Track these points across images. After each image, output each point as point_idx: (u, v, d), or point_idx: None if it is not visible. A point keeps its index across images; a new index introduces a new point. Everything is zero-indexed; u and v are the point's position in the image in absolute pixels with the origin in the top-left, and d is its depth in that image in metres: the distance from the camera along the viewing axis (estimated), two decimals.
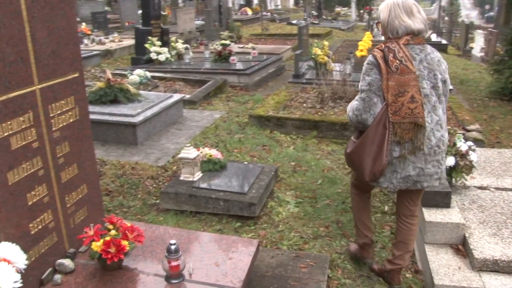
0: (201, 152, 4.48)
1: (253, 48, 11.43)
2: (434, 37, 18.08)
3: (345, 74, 8.17)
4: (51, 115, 2.48)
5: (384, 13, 2.69)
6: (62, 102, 2.56)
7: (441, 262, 3.14)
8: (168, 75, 9.22)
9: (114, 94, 6.08)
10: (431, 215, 3.41)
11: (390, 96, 2.57)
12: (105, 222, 2.68)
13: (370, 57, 2.66)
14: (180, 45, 10.93)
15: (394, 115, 2.58)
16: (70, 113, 2.62)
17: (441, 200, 3.49)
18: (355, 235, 3.35)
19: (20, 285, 1.96)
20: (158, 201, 4.25)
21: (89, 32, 14.09)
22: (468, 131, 5.58)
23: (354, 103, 2.71)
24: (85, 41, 13.00)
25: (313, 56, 8.77)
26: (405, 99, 2.57)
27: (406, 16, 2.65)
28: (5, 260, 1.99)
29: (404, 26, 2.64)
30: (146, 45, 10.10)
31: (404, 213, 2.97)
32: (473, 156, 3.79)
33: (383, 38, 2.79)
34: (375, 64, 2.62)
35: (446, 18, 25.40)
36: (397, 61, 2.59)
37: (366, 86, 2.63)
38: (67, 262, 2.54)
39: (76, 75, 2.66)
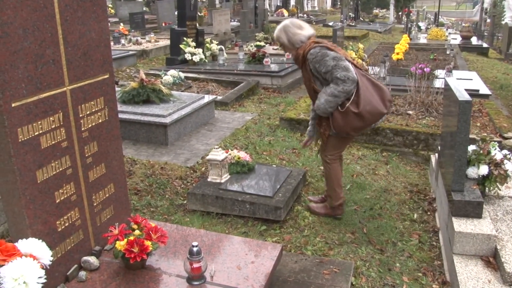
0: (230, 154, 4.49)
1: None
2: (474, 40, 17.57)
3: (379, 78, 8.04)
4: (81, 115, 2.54)
5: (283, 36, 3.60)
6: (92, 103, 2.62)
7: (470, 275, 3.04)
8: (202, 76, 9.30)
9: (146, 94, 6.15)
10: (461, 225, 3.31)
11: (348, 57, 3.55)
12: (131, 222, 2.73)
13: (324, 49, 3.46)
14: (214, 46, 11.02)
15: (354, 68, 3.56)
16: (99, 113, 2.68)
17: (472, 210, 3.39)
18: (332, 200, 3.91)
19: (44, 280, 2.02)
20: (185, 202, 4.28)
21: (126, 32, 14.38)
22: (506, 138, 5.39)
23: (337, 86, 3.41)
24: (122, 41, 13.23)
25: None
26: (349, 59, 3.57)
27: (299, 30, 3.58)
28: (31, 255, 2.05)
29: (303, 35, 3.57)
30: (181, 46, 10.22)
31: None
32: (508, 165, 3.67)
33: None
34: (330, 49, 3.49)
35: (488, 20, 24.64)
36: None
37: (344, 61, 3.44)
38: (92, 260, 2.60)
39: (106, 76, 2.71)
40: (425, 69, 7.34)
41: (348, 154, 5.62)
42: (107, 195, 2.82)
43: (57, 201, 2.41)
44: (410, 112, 6.45)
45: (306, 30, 3.60)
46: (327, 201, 4.06)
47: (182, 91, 7.88)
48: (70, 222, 2.52)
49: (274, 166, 4.78)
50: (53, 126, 2.34)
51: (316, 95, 3.59)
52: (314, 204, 4.17)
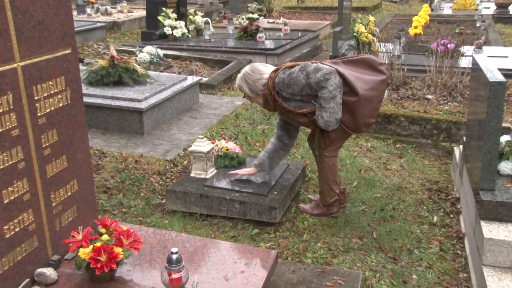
0: (216, 145, 4.48)
1: (285, 24, 11.33)
2: None
3: (393, 56, 8.00)
4: (36, 98, 2.47)
5: (244, 86, 3.82)
6: (50, 83, 2.55)
7: None
8: (184, 54, 9.25)
9: (118, 75, 6.10)
10: (492, 230, 3.26)
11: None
12: (98, 225, 2.68)
13: (285, 71, 3.72)
14: (199, 19, 10.94)
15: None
16: (59, 96, 2.61)
17: (506, 213, 3.33)
18: (326, 197, 4.00)
19: None
20: (163, 201, 4.26)
21: (93, 0, 14.13)
22: None
23: (333, 99, 3.56)
24: (88, 10, 12.82)
25: (355, 34, 8.64)
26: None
27: (260, 75, 3.77)
28: None
29: (264, 79, 3.77)
30: (160, 18, 10.13)
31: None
32: None
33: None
34: (291, 67, 3.77)
35: None
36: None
37: (310, 65, 3.64)
38: (49, 272, 2.54)
39: (68, 51, 2.64)
40: (448, 46, 7.29)
41: (355, 146, 5.60)
42: (69, 194, 2.76)
43: (5, 202, 2.34)
44: (430, 96, 6.43)
45: (267, 72, 3.80)
46: (319, 198, 4.10)
47: (160, 71, 7.82)
48: (22, 226, 2.45)
49: None
50: (0, 111, 2.27)
51: (310, 121, 3.72)
52: (303, 205, 4.22)
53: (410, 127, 5.73)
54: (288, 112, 3.76)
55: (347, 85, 3.58)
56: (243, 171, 4.20)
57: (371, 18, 8.90)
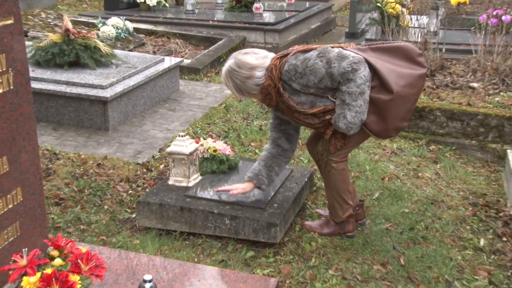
0: (201, 145, 4.48)
1: None
2: None
3: (428, 33, 8.03)
4: None
5: (230, 85, 3.73)
6: None
7: None
8: (160, 29, 9.25)
9: (75, 53, 6.08)
10: None
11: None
12: (48, 246, 2.67)
13: (298, 56, 3.66)
14: None
15: None
16: None
17: None
18: (338, 211, 3.99)
19: None
20: (133, 216, 4.26)
21: None
22: None
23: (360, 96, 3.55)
24: None
25: (379, 4, 8.65)
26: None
27: (249, 71, 3.66)
28: None
29: (256, 77, 3.66)
30: None
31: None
32: None
33: None
34: (305, 51, 3.72)
35: None
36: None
37: (331, 50, 3.61)
38: None
39: (9, 21, 2.64)
40: (503, 18, 7.25)
41: (376, 147, 5.62)
42: (10, 206, 2.75)
43: None
44: (475, 84, 6.44)
45: (260, 65, 3.71)
46: (330, 215, 4.10)
47: (130, 50, 7.81)
48: None
49: None
50: None
51: (322, 122, 3.71)
52: (311, 221, 4.22)
53: (449, 123, 5.74)
54: (293, 112, 3.73)
55: (377, 78, 3.59)
56: (236, 188, 4.06)
57: None
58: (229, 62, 3.73)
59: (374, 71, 3.57)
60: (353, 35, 9.06)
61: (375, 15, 8.93)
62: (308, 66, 3.55)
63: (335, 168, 3.85)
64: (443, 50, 7.11)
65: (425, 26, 8.29)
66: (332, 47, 3.64)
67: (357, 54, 3.56)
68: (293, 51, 3.70)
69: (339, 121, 3.56)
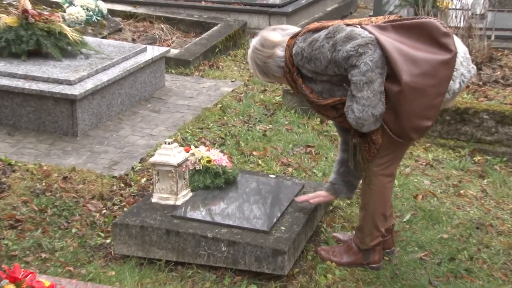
0: (193, 155, 4.48)
1: None
2: None
3: (473, 16, 8.01)
4: None
5: (255, 68, 3.88)
6: None
7: None
8: (141, 11, 9.26)
9: (35, 41, 6.07)
10: None
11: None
12: (3, 279, 2.65)
13: (307, 36, 3.70)
14: None
15: None
16: None
17: None
18: (365, 237, 3.99)
19: None
20: (108, 241, 4.26)
21: None
22: None
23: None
24: None
25: None
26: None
27: (272, 49, 3.78)
28: None
29: (279, 56, 3.76)
30: None
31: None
32: None
33: None
34: (315, 30, 3.77)
35: None
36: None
37: (342, 29, 3.65)
38: None
39: None
40: None
41: (407, 158, 5.60)
42: None
43: None
44: None
45: (283, 43, 3.80)
46: (354, 238, 4.09)
47: (104, 37, 7.81)
48: None
49: (273, 176, 4.79)
50: None
51: (342, 115, 3.74)
52: (326, 247, 4.20)
53: (499, 129, 5.72)
54: (311, 102, 3.76)
55: (388, 64, 3.57)
56: (318, 196, 4.19)
57: None
58: (254, 41, 3.87)
59: (386, 55, 3.54)
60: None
61: None
62: (314, 49, 3.59)
63: (374, 183, 3.86)
64: (492, 38, 7.11)
65: (470, 8, 8.27)
66: (346, 25, 3.64)
67: (370, 34, 3.55)
68: (304, 29, 3.73)
69: (348, 115, 3.58)
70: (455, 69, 3.63)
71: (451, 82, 3.62)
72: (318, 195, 4.16)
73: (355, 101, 3.52)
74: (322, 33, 3.61)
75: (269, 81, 4.06)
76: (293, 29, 3.85)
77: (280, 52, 3.74)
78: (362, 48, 3.45)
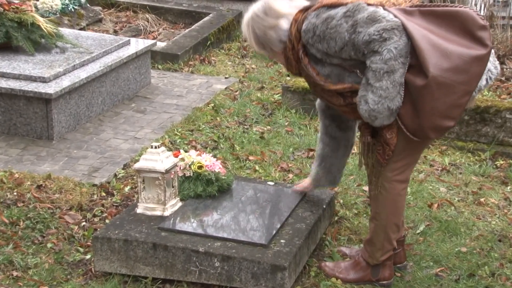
0: (182, 160, 4.49)
1: None
2: None
3: (495, 3, 8.02)
4: None
5: (250, 37, 3.86)
6: None
7: None
8: None
9: (4, 33, 6.06)
10: None
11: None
12: None
13: (322, 12, 3.65)
14: None
15: None
16: None
17: None
18: (375, 250, 3.98)
19: None
20: (88, 257, 4.25)
21: None
22: None
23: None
24: None
25: None
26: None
27: (273, 20, 3.76)
28: None
29: (282, 28, 3.74)
30: None
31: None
32: None
33: None
34: (332, 6, 3.71)
35: None
36: None
37: (363, 8, 3.59)
38: None
39: None
40: None
41: (421, 162, 5.61)
42: None
43: None
44: None
45: (290, 15, 3.77)
46: (362, 252, 4.10)
47: (82, 29, 7.80)
48: None
49: (271, 183, 4.79)
50: None
51: (349, 105, 3.74)
52: (331, 263, 4.21)
53: None
54: (314, 85, 3.77)
55: (415, 55, 3.52)
56: (300, 184, 4.32)
57: None
58: (255, 6, 3.83)
59: (413, 47, 3.49)
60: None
61: None
62: (330, 27, 3.54)
63: (387, 190, 3.86)
64: None
65: None
66: (368, 4, 3.58)
67: (395, 17, 3.50)
68: (318, 3, 3.68)
69: (360, 105, 3.57)
70: None
71: None
72: (301, 183, 4.40)
73: (371, 91, 3.51)
74: (340, 11, 3.55)
75: (264, 54, 3.99)
76: (302, 1, 3.82)
77: (285, 24, 3.72)
78: (387, 33, 3.42)
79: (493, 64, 3.73)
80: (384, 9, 3.55)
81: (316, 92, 3.84)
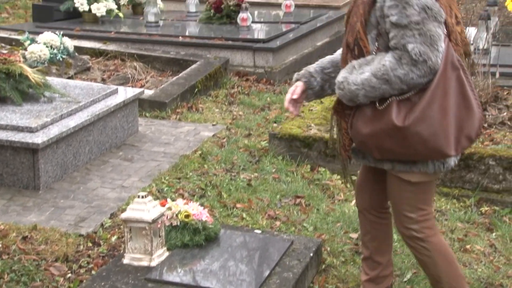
0: (169, 209, 4.47)
1: None
2: None
3: (476, 52, 8.08)
4: None
5: None
6: None
7: None
8: (112, 47, 9.30)
9: None
10: None
11: (449, 18, 3.62)
12: None
13: None
14: None
15: (455, 45, 3.67)
16: None
17: None
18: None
19: None
20: None
21: None
22: None
23: (388, 58, 3.48)
24: None
25: None
26: (453, 20, 3.69)
27: None
28: None
29: None
30: None
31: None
32: None
33: None
34: None
35: None
36: None
37: (440, 24, 3.48)
38: None
39: None
40: None
41: None
42: None
43: None
44: None
45: None
46: None
47: (70, 78, 7.81)
48: None
49: (259, 232, 4.80)
50: None
51: (352, 58, 3.68)
52: None
53: (507, 176, 5.76)
54: (353, 20, 3.66)
55: (418, 96, 3.49)
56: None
57: None
58: None
59: (425, 90, 3.46)
60: None
61: None
62: (404, 3, 3.44)
63: (428, 246, 3.79)
64: (497, 75, 7.13)
65: (472, 42, 8.36)
66: (445, 19, 3.53)
67: (439, 61, 3.44)
68: None
69: (339, 74, 3.63)
70: None
71: None
72: (292, 93, 3.99)
73: (365, 69, 3.51)
74: (428, 1, 3.43)
75: None
76: None
77: None
78: (424, 65, 3.39)
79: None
80: (450, 38, 3.56)
81: (349, 29, 3.69)
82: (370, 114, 3.56)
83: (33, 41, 8.31)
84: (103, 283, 4.05)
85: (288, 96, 3.99)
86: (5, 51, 6.84)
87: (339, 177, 6.10)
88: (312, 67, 4.02)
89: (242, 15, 10.01)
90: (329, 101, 7.25)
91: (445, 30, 3.55)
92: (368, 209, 4.07)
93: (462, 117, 3.55)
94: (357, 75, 3.53)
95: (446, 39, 3.53)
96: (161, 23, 10.35)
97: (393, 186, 3.77)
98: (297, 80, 4.02)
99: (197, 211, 4.55)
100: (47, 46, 8.19)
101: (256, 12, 11.02)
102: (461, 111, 3.54)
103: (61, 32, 8.62)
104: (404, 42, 3.43)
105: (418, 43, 3.40)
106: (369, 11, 3.57)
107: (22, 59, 6.59)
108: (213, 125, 7.40)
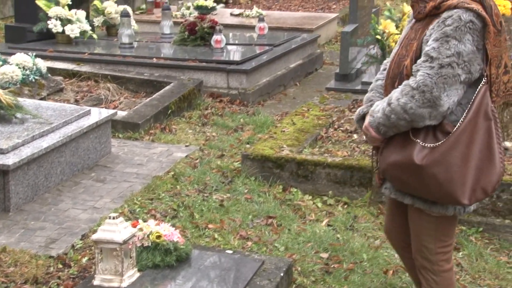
0: (141, 230, 4.47)
1: (261, 18, 11.46)
2: None
3: None
4: None
5: None
6: None
7: None
8: (85, 69, 9.27)
9: None
10: None
11: (494, 69, 3.54)
12: None
13: (466, 14, 3.41)
14: (111, 7, 11.07)
15: (496, 96, 3.61)
16: None
17: None
18: None
19: None
20: None
21: None
22: None
23: (409, 83, 3.47)
24: None
25: (378, 36, 8.78)
26: (501, 70, 3.59)
27: None
28: None
29: None
30: (39, 3, 10.14)
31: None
32: None
33: None
34: (478, 25, 3.43)
35: None
36: (499, 14, 3.54)
37: (451, 57, 3.42)
38: None
39: None
40: None
41: (377, 230, 5.65)
42: None
43: None
44: (508, 143, 6.50)
45: None
46: None
47: (42, 99, 7.78)
48: None
49: (230, 252, 4.81)
50: None
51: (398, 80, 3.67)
52: None
53: None
54: (408, 40, 3.71)
55: (443, 132, 3.50)
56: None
57: (406, 8, 9.00)
58: None
59: (453, 131, 3.46)
60: (345, 77, 9.21)
61: (374, 50, 9.03)
62: (447, 39, 3.41)
63: (438, 280, 3.81)
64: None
65: None
66: (482, 68, 3.50)
67: (446, 106, 3.42)
68: (482, 8, 3.46)
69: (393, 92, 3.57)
70: None
71: None
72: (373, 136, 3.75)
73: (398, 95, 3.49)
74: (466, 48, 3.39)
75: None
76: None
77: None
78: (422, 97, 3.39)
79: None
80: (491, 89, 3.53)
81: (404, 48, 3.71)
82: (398, 144, 3.57)
83: (5, 62, 8.25)
84: None
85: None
86: None
87: (310, 197, 6.18)
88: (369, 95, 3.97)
89: (216, 37, 10.03)
90: (300, 122, 7.35)
91: (484, 79, 3.49)
92: (405, 247, 4.04)
93: (483, 168, 3.51)
94: (393, 101, 3.52)
95: (483, 87, 3.49)
96: (135, 44, 10.33)
97: (414, 216, 3.77)
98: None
99: (168, 231, 4.54)
100: (19, 67, 8.14)
101: (230, 34, 11.07)
102: (483, 162, 3.50)
103: (34, 53, 8.56)
104: (419, 69, 3.46)
105: (429, 75, 3.40)
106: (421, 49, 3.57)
107: None
108: (186, 146, 7.41)
